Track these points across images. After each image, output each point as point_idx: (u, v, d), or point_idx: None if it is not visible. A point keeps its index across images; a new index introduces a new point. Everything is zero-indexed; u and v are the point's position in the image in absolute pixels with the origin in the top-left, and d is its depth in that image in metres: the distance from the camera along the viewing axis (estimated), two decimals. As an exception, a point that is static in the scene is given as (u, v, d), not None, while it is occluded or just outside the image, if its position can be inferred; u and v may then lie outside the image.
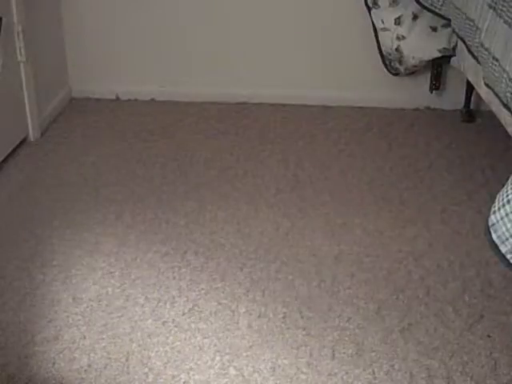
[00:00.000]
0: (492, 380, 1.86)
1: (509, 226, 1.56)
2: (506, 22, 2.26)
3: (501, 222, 1.58)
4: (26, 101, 3.04)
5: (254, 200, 2.65)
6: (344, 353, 1.95)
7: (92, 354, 1.94)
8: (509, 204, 1.56)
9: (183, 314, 2.09)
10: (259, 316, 2.08)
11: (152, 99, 3.49)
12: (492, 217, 1.60)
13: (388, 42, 3.17)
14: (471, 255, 2.33)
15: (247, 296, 2.16)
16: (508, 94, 2.15)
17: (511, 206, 1.56)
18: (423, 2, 2.98)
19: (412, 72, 3.30)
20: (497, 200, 1.62)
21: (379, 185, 2.77)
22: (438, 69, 3.30)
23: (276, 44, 3.34)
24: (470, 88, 3.20)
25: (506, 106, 2.22)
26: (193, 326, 2.05)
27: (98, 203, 2.64)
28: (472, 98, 3.30)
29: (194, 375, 1.88)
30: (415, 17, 3.10)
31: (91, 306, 2.12)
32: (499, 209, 1.59)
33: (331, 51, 3.36)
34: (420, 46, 3.15)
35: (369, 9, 3.16)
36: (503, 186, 1.67)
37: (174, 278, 2.25)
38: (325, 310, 2.10)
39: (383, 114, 3.34)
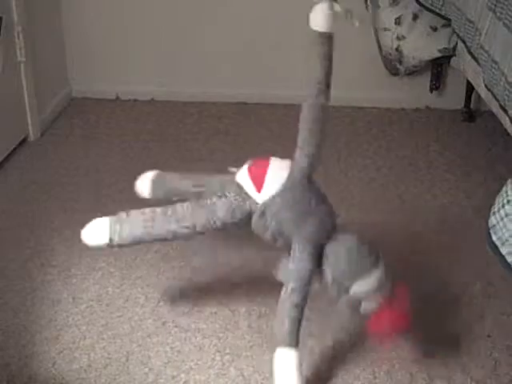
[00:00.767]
0: (492, 380, 1.86)
1: (509, 226, 1.56)
2: (505, 24, 2.25)
3: (501, 224, 1.58)
4: (26, 101, 3.04)
5: (254, 200, 2.65)
6: (344, 353, 1.95)
7: (92, 354, 1.94)
8: (508, 205, 1.56)
9: (183, 314, 2.09)
10: (259, 316, 2.08)
11: (152, 99, 3.49)
12: (492, 218, 1.60)
13: (388, 41, 3.17)
14: (471, 255, 2.33)
15: (247, 296, 2.16)
16: (506, 97, 2.15)
17: (511, 207, 1.55)
18: (423, 2, 2.98)
19: (412, 72, 3.30)
20: (496, 201, 1.62)
21: (379, 185, 2.77)
22: (438, 69, 3.30)
23: (276, 44, 3.34)
24: (469, 88, 3.21)
25: (503, 108, 2.22)
26: (193, 326, 2.05)
27: (98, 203, 2.64)
28: (472, 98, 3.30)
29: (194, 375, 1.88)
30: (415, 17, 3.10)
31: (91, 306, 2.12)
32: (499, 210, 1.59)
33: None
34: (420, 45, 3.15)
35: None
36: (503, 186, 1.68)
37: (174, 278, 2.25)
38: (325, 309, 2.10)
39: (383, 114, 3.34)
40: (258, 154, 2.99)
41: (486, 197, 2.65)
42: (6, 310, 2.10)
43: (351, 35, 3.31)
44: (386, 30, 3.15)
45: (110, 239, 1.90)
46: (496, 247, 1.60)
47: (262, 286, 2.21)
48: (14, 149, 2.98)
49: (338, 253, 1.81)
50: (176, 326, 2.04)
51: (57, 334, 2.01)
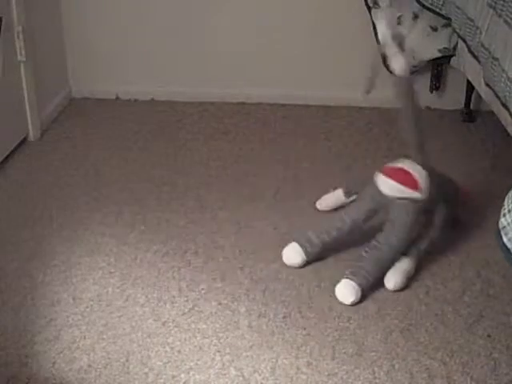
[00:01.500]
0: (492, 380, 1.86)
1: None
2: (505, 21, 2.25)
3: None
4: (26, 101, 3.04)
5: (254, 200, 2.65)
6: (344, 353, 1.95)
7: (92, 354, 1.94)
8: None
9: (183, 314, 2.09)
10: (259, 316, 2.09)
11: (152, 99, 3.49)
12: (502, 220, 1.59)
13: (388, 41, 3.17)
14: (471, 255, 2.33)
15: (247, 296, 2.16)
16: (507, 94, 2.15)
17: None
18: (424, 2, 2.98)
19: (412, 72, 3.29)
20: (506, 202, 1.61)
21: (379, 185, 2.76)
22: (438, 69, 3.30)
23: (276, 44, 3.34)
24: (470, 88, 3.20)
25: (504, 105, 2.22)
26: (193, 325, 2.05)
27: (98, 203, 2.64)
28: (472, 98, 3.30)
29: (194, 375, 1.88)
30: (415, 16, 3.10)
31: (91, 306, 2.12)
32: (509, 211, 1.58)
33: (331, 51, 3.36)
34: (420, 45, 3.15)
35: (369, 8, 3.16)
36: (503, 187, 1.67)
37: (174, 277, 2.25)
38: (325, 310, 2.11)
39: (383, 113, 3.33)
40: (258, 153, 3.01)
41: (486, 197, 2.64)
42: (5, 310, 2.10)
43: (351, 35, 3.33)
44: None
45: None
46: (507, 249, 1.59)
47: (263, 285, 2.21)
48: (14, 149, 2.98)
49: None
50: (176, 326, 2.04)
51: (57, 334, 2.01)
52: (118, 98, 3.50)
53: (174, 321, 2.06)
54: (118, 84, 3.49)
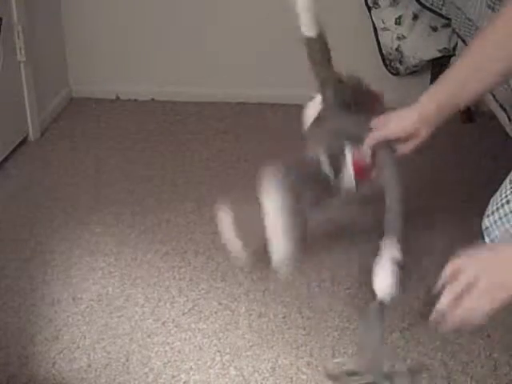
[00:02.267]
0: (492, 380, 1.86)
1: (502, 229, 1.56)
2: None
3: (494, 226, 1.59)
4: (26, 101, 3.04)
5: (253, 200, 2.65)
6: (344, 353, 1.95)
7: (92, 354, 1.94)
8: (502, 208, 1.57)
9: (183, 314, 2.09)
10: (259, 316, 2.09)
11: (152, 99, 3.49)
12: (485, 220, 1.61)
13: (388, 41, 3.17)
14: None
15: (247, 296, 2.16)
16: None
17: (505, 210, 1.56)
18: (424, 2, 2.98)
19: (412, 72, 3.30)
20: (490, 204, 1.63)
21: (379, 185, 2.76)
22: (438, 69, 3.30)
23: (276, 44, 3.34)
24: (470, 88, 3.20)
25: (502, 107, 2.22)
26: (193, 325, 2.05)
27: (98, 203, 2.64)
28: (472, 98, 3.29)
29: (193, 375, 1.88)
30: (415, 17, 3.10)
31: (91, 306, 2.12)
32: (493, 213, 1.60)
33: (331, 51, 3.35)
34: (420, 45, 3.15)
35: (369, 8, 3.16)
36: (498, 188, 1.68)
37: (174, 277, 2.25)
38: (325, 309, 2.11)
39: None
40: (258, 153, 3.00)
41: (486, 197, 2.64)
42: (5, 309, 2.10)
43: (351, 35, 3.33)
44: (386, 29, 3.15)
45: None
46: None
47: (263, 285, 2.21)
48: (14, 149, 2.98)
49: None
50: (176, 326, 2.04)
51: (57, 334, 2.01)
52: (118, 98, 3.50)
53: (173, 321, 2.06)
54: (118, 84, 3.49)
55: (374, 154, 1.84)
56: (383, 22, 3.15)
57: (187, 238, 2.44)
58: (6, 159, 2.90)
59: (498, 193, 1.64)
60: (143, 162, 2.94)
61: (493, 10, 2.36)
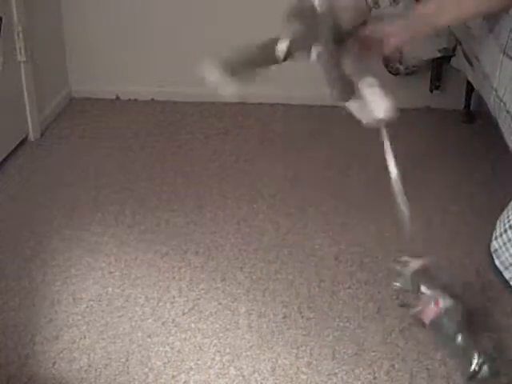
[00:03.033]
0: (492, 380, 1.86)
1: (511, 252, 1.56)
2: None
3: (503, 248, 1.58)
4: (26, 101, 3.04)
5: (254, 200, 2.65)
6: (344, 353, 1.95)
7: (92, 354, 1.94)
8: (511, 229, 1.57)
9: (183, 314, 2.09)
10: (259, 316, 2.09)
11: (152, 99, 3.49)
12: (494, 243, 1.61)
13: (388, 41, 3.17)
14: (471, 255, 2.33)
15: (247, 296, 2.16)
16: (496, 111, 2.14)
17: None
18: (423, 2, 2.98)
19: (412, 72, 3.30)
20: (498, 226, 1.62)
21: (379, 184, 2.77)
22: (438, 69, 3.30)
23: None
24: (470, 88, 3.20)
25: (495, 120, 2.21)
26: (193, 325, 2.05)
27: (98, 203, 2.64)
28: (472, 98, 3.30)
29: (193, 375, 1.88)
30: (415, 17, 3.09)
31: (91, 305, 2.12)
32: (501, 234, 1.59)
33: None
34: (420, 45, 3.15)
35: (369, 8, 3.16)
36: (504, 187, 1.68)
37: (174, 278, 2.25)
38: (325, 309, 2.11)
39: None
40: (258, 153, 3.01)
41: (486, 197, 2.65)
42: (5, 309, 2.10)
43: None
44: (385, 29, 3.15)
45: None
46: (499, 272, 1.60)
47: (263, 285, 2.21)
48: (14, 149, 2.98)
49: None
50: (176, 326, 2.04)
51: (57, 334, 2.01)
52: (118, 98, 3.50)
53: (173, 321, 2.06)
54: (118, 84, 3.49)
55: None
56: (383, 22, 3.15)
57: (187, 238, 2.44)
58: (6, 159, 2.90)
59: (504, 213, 1.63)
60: (143, 162, 2.94)
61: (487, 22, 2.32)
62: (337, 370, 1.89)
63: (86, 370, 1.89)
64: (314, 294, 2.17)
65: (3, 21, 2.79)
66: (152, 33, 3.40)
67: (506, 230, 1.58)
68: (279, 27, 3.41)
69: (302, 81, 3.43)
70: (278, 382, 1.86)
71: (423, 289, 1.97)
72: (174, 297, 2.16)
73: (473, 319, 2.07)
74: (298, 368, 1.90)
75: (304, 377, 1.87)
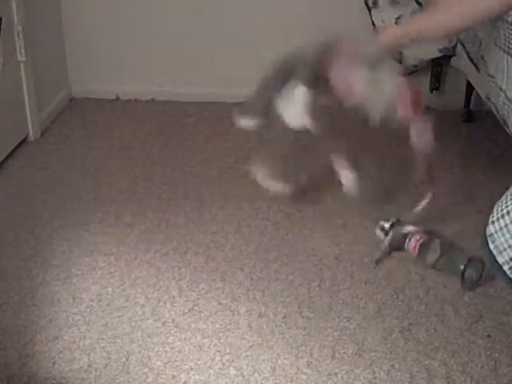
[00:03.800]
0: (492, 380, 1.86)
1: (507, 236, 1.56)
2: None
3: (499, 233, 1.58)
4: (26, 101, 3.04)
5: (253, 200, 2.65)
6: (344, 353, 1.95)
7: (92, 354, 1.94)
8: (508, 215, 1.57)
9: (183, 314, 2.09)
10: (259, 316, 2.08)
11: (152, 99, 3.49)
12: (490, 227, 1.60)
13: (388, 41, 3.17)
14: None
15: (247, 296, 2.16)
16: (505, 112, 2.13)
17: (510, 217, 1.56)
18: (424, 3, 2.98)
19: (412, 72, 3.30)
20: (495, 210, 1.62)
21: (379, 185, 2.77)
22: (438, 69, 3.30)
23: (276, 43, 3.34)
24: (469, 88, 3.21)
25: (503, 120, 2.20)
26: (193, 325, 2.05)
27: (98, 203, 2.64)
28: (472, 98, 3.30)
29: (194, 375, 1.88)
30: (415, 17, 3.10)
31: (91, 305, 2.12)
32: (498, 219, 1.59)
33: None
34: (420, 45, 3.14)
35: (369, 8, 3.16)
36: (504, 189, 1.67)
37: (174, 278, 2.25)
38: (325, 309, 2.11)
39: (383, 113, 3.33)
40: (258, 154, 3.00)
41: (486, 197, 2.64)
42: (6, 310, 2.10)
43: (351, 35, 3.32)
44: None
45: None
46: (493, 256, 1.60)
47: (263, 285, 2.21)
48: (14, 149, 2.98)
49: None
50: (176, 326, 2.04)
51: (57, 334, 2.01)
52: (118, 98, 3.50)
53: (173, 321, 2.06)
54: (118, 84, 3.49)
55: None
56: (383, 22, 3.15)
57: (187, 238, 2.44)
58: (6, 159, 2.90)
59: (502, 199, 1.63)
60: (143, 161, 2.94)
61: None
62: (337, 370, 1.89)
63: (85, 370, 1.89)
64: (314, 294, 2.17)
65: (3, 21, 2.79)
66: (152, 33, 3.40)
67: (503, 216, 1.58)
68: (279, 27, 3.42)
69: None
70: (277, 381, 1.86)
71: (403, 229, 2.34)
72: (173, 297, 2.16)
73: (472, 319, 2.07)
74: (298, 368, 1.90)
75: (304, 377, 1.87)
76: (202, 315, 2.09)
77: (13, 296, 2.16)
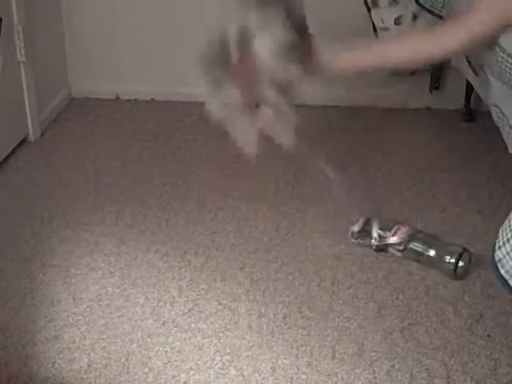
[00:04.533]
0: (492, 380, 1.86)
1: None
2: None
3: (507, 257, 1.58)
4: (26, 101, 3.04)
5: (253, 200, 2.65)
6: (344, 353, 1.95)
7: (92, 354, 1.94)
8: None
9: (183, 314, 2.09)
10: (259, 316, 2.09)
11: (152, 99, 3.49)
12: (498, 252, 1.60)
13: (388, 42, 3.17)
14: (471, 255, 2.33)
15: (247, 296, 2.16)
16: (499, 123, 2.12)
17: None
18: (423, 3, 2.98)
19: (412, 72, 3.30)
20: (500, 234, 1.62)
21: (379, 185, 2.77)
22: (438, 69, 3.30)
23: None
24: (469, 88, 3.20)
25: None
26: (193, 325, 2.05)
27: (98, 203, 2.64)
28: (472, 98, 3.30)
29: (194, 375, 1.88)
30: (415, 17, 3.09)
31: (91, 305, 2.12)
32: (504, 244, 1.59)
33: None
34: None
35: (368, 9, 3.16)
36: (504, 187, 1.67)
37: (174, 278, 2.25)
38: (325, 309, 2.11)
39: (383, 113, 3.34)
40: (258, 153, 3.00)
41: (486, 197, 2.65)
42: (6, 309, 2.10)
43: (351, 35, 3.32)
44: (385, 29, 3.15)
45: None
46: (505, 281, 1.61)
47: (263, 285, 2.21)
48: (14, 149, 2.98)
49: None
50: (176, 326, 2.04)
51: (57, 334, 2.01)
52: (117, 98, 3.50)
53: (173, 321, 2.06)
54: (118, 84, 3.49)
55: None
56: (383, 22, 3.14)
57: (187, 238, 2.44)
58: (6, 159, 2.90)
59: (506, 222, 1.63)
60: (143, 162, 2.94)
61: None
62: (337, 370, 1.89)
63: (86, 370, 1.89)
64: (314, 294, 2.17)
65: (3, 21, 2.79)
66: (152, 33, 3.39)
67: (508, 240, 1.58)
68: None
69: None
70: (277, 381, 1.86)
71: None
72: (173, 297, 2.16)
73: (472, 319, 2.07)
74: (298, 368, 1.90)
75: (304, 377, 1.87)
76: (202, 315, 2.09)
77: (13, 296, 2.16)
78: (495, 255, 1.61)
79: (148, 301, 2.14)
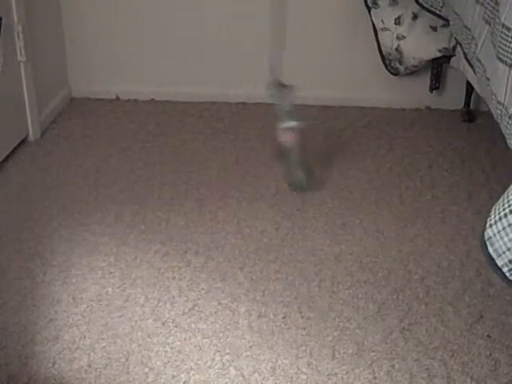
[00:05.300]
0: (492, 380, 1.86)
1: (506, 239, 1.56)
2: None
3: (498, 236, 1.58)
4: (26, 101, 3.04)
5: (254, 200, 2.65)
6: (344, 353, 1.95)
7: (92, 354, 1.94)
8: (506, 218, 1.56)
9: (183, 314, 2.09)
10: (259, 316, 2.09)
11: (152, 99, 3.49)
12: (488, 230, 1.60)
13: (388, 41, 3.17)
14: (471, 255, 2.34)
15: (247, 296, 2.16)
16: (498, 117, 2.13)
17: (508, 220, 1.56)
18: (423, 3, 2.98)
19: (412, 72, 3.30)
20: (492, 213, 1.62)
21: (379, 185, 2.77)
22: (438, 69, 3.30)
23: (276, 44, 3.34)
24: (469, 88, 3.21)
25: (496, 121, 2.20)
26: (193, 325, 2.05)
27: (98, 203, 2.64)
28: (472, 98, 3.30)
29: (194, 375, 1.88)
30: (415, 17, 3.10)
31: (91, 305, 2.12)
32: (495, 222, 1.59)
33: (331, 51, 3.36)
34: (420, 45, 3.15)
35: (369, 9, 3.16)
36: (503, 190, 1.67)
37: (174, 277, 2.25)
38: (325, 309, 2.11)
39: (383, 114, 3.34)
40: (258, 153, 3.00)
41: (486, 197, 2.65)
42: (6, 309, 2.10)
43: (351, 35, 3.33)
44: (385, 29, 3.15)
45: None
46: (492, 259, 1.60)
47: (263, 285, 2.21)
48: (14, 149, 2.98)
49: None
50: (176, 326, 2.04)
51: (57, 334, 2.01)
52: (118, 98, 3.50)
53: (173, 321, 2.06)
54: (118, 84, 3.49)
55: None
56: (383, 22, 3.15)
57: (187, 238, 2.44)
58: (6, 159, 2.90)
59: (499, 202, 1.63)
60: (143, 161, 2.94)
61: (490, 25, 2.30)
62: (337, 370, 1.89)
63: (86, 370, 1.89)
64: (314, 294, 2.17)
65: (3, 21, 2.79)
66: (152, 33, 3.40)
67: (500, 218, 1.58)
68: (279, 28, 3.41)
69: (301, 81, 3.44)
70: (277, 381, 1.86)
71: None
72: (173, 297, 2.16)
73: (472, 319, 2.07)
74: (298, 368, 1.90)
75: (304, 377, 1.87)
76: (202, 315, 2.09)
77: (13, 296, 2.16)
78: (485, 233, 1.61)
79: (148, 301, 2.14)
